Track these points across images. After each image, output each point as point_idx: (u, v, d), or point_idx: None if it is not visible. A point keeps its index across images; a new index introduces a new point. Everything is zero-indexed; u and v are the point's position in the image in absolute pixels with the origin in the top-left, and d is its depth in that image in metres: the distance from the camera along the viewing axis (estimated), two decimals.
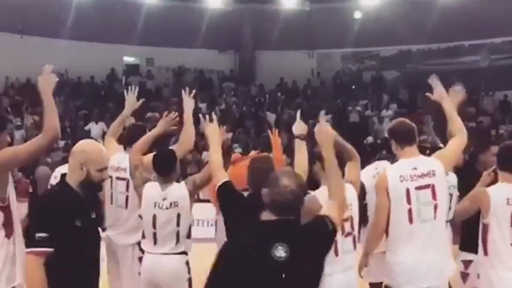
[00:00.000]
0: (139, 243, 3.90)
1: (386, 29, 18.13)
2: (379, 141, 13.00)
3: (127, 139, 4.31)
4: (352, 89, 19.00)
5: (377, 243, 3.58)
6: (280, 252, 2.28)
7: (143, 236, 3.80)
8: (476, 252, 3.66)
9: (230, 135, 15.36)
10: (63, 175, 2.83)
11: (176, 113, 4.17)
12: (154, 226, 3.71)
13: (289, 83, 19.42)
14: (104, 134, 14.37)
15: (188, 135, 4.04)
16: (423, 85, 17.39)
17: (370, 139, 14.58)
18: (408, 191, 3.38)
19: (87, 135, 14.06)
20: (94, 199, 2.92)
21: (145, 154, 3.93)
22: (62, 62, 18.03)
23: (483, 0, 17.19)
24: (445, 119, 3.79)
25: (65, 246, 2.59)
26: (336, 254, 3.23)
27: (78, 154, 2.78)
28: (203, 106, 17.23)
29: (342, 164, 3.73)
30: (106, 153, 2.87)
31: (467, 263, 4.06)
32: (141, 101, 4.53)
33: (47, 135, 2.92)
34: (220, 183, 2.95)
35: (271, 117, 16.71)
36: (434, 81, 3.89)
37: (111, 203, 4.26)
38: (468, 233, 3.87)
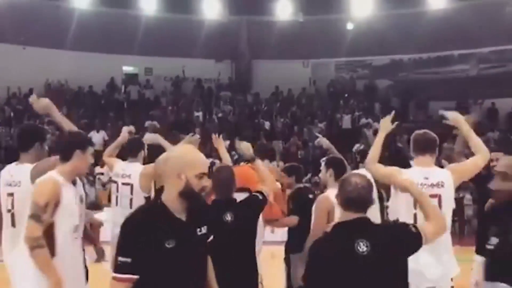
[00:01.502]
0: None
1: (378, 39, 18.71)
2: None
3: (128, 151, 5.05)
4: (345, 97, 19.53)
5: None
6: (362, 247, 2.54)
7: None
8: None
9: (227, 143, 15.80)
10: (159, 190, 2.62)
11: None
12: None
13: (285, 91, 19.96)
14: (105, 142, 14.87)
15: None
16: (415, 93, 18.05)
17: (357, 146, 15.07)
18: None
19: None
20: (200, 212, 2.53)
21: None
22: (63, 72, 18.56)
23: (472, 11, 17.78)
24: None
25: (153, 271, 2.34)
26: None
27: (172, 160, 2.44)
28: (199, 114, 17.74)
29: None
30: (203, 156, 2.53)
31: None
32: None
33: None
34: None
35: (266, 125, 17.21)
36: (445, 114, 4.05)
37: (116, 205, 4.90)
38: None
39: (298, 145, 15.02)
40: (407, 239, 2.63)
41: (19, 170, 3.46)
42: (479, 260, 3.90)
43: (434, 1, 18.31)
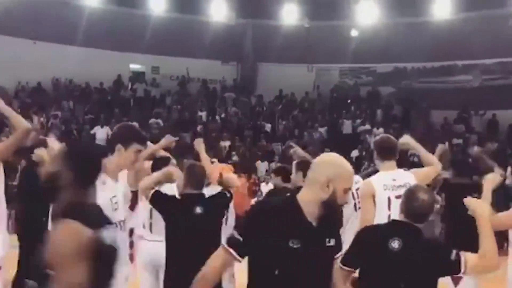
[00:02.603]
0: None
1: (383, 47, 18.88)
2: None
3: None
4: (347, 103, 19.71)
5: None
6: (395, 244, 2.69)
7: (144, 226, 4.54)
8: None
9: (228, 143, 16.08)
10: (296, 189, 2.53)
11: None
12: (150, 216, 4.42)
13: (288, 95, 20.18)
14: (108, 138, 15.17)
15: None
16: (417, 102, 18.24)
17: (355, 152, 15.28)
18: (389, 199, 3.82)
19: (93, 138, 14.86)
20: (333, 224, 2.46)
21: None
22: (71, 68, 18.90)
23: (476, 22, 17.92)
24: None
25: (271, 265, 2.27)
26: None
27: (325, 167, 2.33)
28: (203, 114, 18.02)
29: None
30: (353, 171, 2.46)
31: None
32: None
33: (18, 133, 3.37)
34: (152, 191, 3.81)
35: (268, 127, 17.45)
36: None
37: None
38: (458, 235, 4.22)
39: None
40: (440, 262, 2.69)
41: None
42: None
43: (439, 11, 18.46)
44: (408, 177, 3.93)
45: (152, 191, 3.83)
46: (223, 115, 18.33)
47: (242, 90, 20.36)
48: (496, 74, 19.05)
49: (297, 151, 4.96)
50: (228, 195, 4.01)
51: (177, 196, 3.94)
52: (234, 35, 19.83)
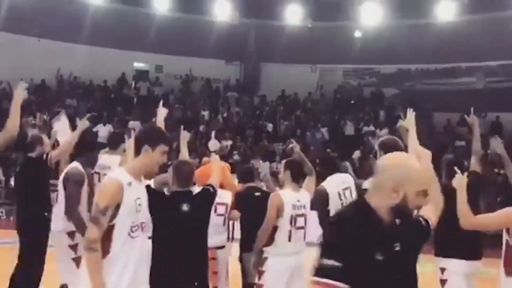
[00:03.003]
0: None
1: (387, 48, 18.86)
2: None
3: (109, 144, 5.42)
4: (350, 104, 19.70)
5: None
6: None
7: None
8: (451, 257, 4.20)
9: (230, 142, 16.13)
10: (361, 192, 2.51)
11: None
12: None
13: (291, 95, 20.19)
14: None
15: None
16: (420, 103, 18.23)
17: (357, 153, 15.27)
18: None
19: (95, 136, 14.91)
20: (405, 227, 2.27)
21: None
22: (76, 66, 18.99)
23: (480, 24, 17.87)
24: None
25: (363, 284, 2.08)
26: (289, 240, 4.28)
27: (392, 170, 2.14)
28: (205, 113, 18.05)
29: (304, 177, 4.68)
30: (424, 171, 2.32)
31: (443, 270, 4.37)
32: None
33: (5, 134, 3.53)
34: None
35: (269, 127, 17.47)
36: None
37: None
38: (444, 238, 4.16)
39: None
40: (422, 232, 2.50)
41: None
42: None
43: (443, 13, 18.43)
44: None
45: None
46: (225, 115, 18.35)
47: (245, 90, 20.39)
48: (500, 77, 19.00)
49: (296, 147, 5.01)
50: (212, 190, 4.00)
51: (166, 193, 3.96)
52: (238, 35, 19.87)
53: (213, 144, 4.54)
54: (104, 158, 5.24)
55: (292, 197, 4.40)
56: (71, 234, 4.78)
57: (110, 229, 2.93)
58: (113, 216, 2.92)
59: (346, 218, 2.17)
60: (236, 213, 4.98)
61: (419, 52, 18.67)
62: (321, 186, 4.93)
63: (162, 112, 4.65)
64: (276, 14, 19.39)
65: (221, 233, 4.75)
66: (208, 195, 3.97)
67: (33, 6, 17.71)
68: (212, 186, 4.02)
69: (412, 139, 3.63)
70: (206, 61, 20.05)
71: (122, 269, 2.95)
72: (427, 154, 2.91)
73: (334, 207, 5.15)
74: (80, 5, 18.73)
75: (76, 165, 4.90)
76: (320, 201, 5.04)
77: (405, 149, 5.23)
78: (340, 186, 5.21)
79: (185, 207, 3.74)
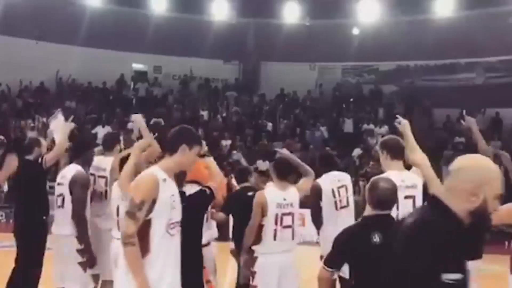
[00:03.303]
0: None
1: (384, 45, 18.78)
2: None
3: (104, 145, 5.39)
4: (349, 102, 19.65)
5: None
6: (376, 238, 2.98)
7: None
8: None
9: (229, 142, 16.09)
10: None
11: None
12: (117, 214, 4.43)
13: (291, 93, 20.15)
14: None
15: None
16: (419, 100, 18.09)
17: (357, 151, 15.23)
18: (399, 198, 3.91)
19: (94, 138, 14.87)
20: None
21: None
22: (74, 67, 18.95)
23: (479, 20, 17.80)
24: None
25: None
26: (274, 238, 4.29)
27: (470, 172, 2.00)
28: (205, 113, 18.01)
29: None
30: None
31: None
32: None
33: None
34: None
35: (269, 126, 17.43)
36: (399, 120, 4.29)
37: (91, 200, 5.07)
38: None
39: (295, 147, 15.16)
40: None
41: None
42: None
43: (442, 9, 18.36)
44: (415, 178, 3.90)
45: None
46: (224, 114, 18.31)
47: (244, 89, 20.35)
48: (500, 72, 18.92)
49: (285, 152, 4.95)
50: (209, 192, 3.87)
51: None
52: (236, 34, 19.82)
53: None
54: (99, 159, 5.16)
55: (277, 196, 4.36)
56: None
57: (146, 226, 2.91)
58: (149, 211, 2.91)
59: (431, 222, 1.97)
60: (221, 215, 4.90)
61: (418, 49, 18.60)
62: (315, 182, 5.00)
63: (138, 120, 4.65)
64: (274, 12, 19.34)
65: (204, 230, 4.65)
66: (203, 196, 3.87)
67: (30, 9, 17.67)
68: (210, 188, 3.92)
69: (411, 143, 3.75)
70: (204, 61, 20.01)
71: (162, 267, 2.93)
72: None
73: (327, 203, 5.22)
74: (78, 7, 18.70)
75: (79, 168, 4.84)
76: (312, 196, 5.09)
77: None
78: (335, 184, 5.31)
79: None
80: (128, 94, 19.92)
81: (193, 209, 3.76)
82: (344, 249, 3.12)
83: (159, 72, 20.79)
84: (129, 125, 16.18)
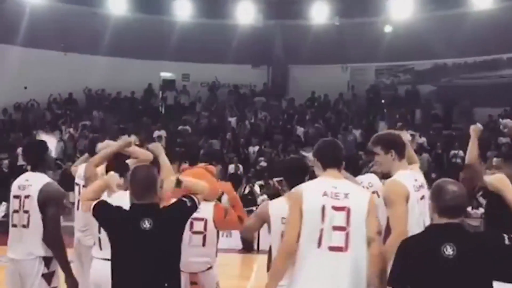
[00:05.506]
0: None
1: (419, 43, 17.99)
2: None
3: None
4: (384, 103, 18.88)
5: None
6: (448, 250, 2.64)
7: (94, 242, 3.98)
8: None
9: (256, 148, 15.43)
10: None
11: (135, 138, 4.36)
12: (99, 231, 3.80)
13: (322, 97, 19.52)
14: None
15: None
16: (459, 99, 17.01)
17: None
18: (417, 200, 3.56)
19: None
20: None
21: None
22: (102, 78, 18.95)
23: None
24: None
25: None
26: None
27: None
28: (233, 120, 17.60)
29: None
30: None
31: None
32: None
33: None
34: (95, 202, 3.25)
35: (300, 131, 16.85)
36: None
37: (77, 209, 4.66)
38: None
39: None
40: (496, 249, 2.67)
41: None
42: None
43: (479, 1, 17.34)
44: (422, 176, 3.69)
45: (94, 202, 3.24)
46: (252, 120, 17.84)
47: (273, 94, 19.86)
48: None
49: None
50: (190, 203, 3.24)
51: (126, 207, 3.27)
52: (263, 38, 19.35)
53: None
54: (84, 168, 4.67)
55: (284, 210, 3.75)
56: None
57: None
58: None
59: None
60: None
61: (455, 45, 17.68)
62: None
63: (126, 142, 4.07)
64: (301, 13, 18.76)
65: (201, 254, 3.99)
66: (181, 209, 3.23)
67: (56, 21, 17.75)
68: (192, 199, 3.28)
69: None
70: (232, 66, 19.64)
71: None
72: None
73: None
74: (103, 17, 18.67)
75: (46, 178, 4.10)
76: None
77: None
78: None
79: (146, 224, 3.05)
80: (155, 103, 19.75)
81: (164, 225, 3.15)
82: (410, 263, 2.71)
83: (187, 79, 20.57)
84: (155, 133, 15.99)
